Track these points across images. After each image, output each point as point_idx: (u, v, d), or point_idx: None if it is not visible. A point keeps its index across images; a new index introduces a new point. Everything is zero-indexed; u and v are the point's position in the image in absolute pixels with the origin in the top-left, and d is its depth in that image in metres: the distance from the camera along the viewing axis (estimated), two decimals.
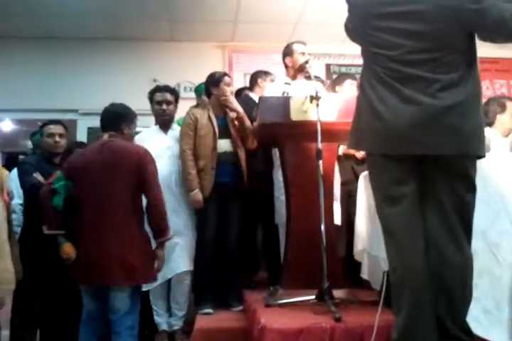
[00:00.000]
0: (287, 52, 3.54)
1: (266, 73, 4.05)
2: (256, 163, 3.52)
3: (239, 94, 4.04)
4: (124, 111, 2.83)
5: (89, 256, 2.54)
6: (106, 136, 2.74)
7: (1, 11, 4.67)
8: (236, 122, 3.38)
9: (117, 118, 2.77)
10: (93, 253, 2.53)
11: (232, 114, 3.39)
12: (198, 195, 3.22)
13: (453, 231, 1.83)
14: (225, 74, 3.53)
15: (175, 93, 3.56)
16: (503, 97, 3.77)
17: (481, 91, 1.92)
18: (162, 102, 3.45)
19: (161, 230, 2.65)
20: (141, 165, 2.62)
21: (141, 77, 5.16)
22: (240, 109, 3.36)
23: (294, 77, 3.52)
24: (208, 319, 3.01)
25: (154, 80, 4.90)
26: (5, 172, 2.67)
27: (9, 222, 2.59)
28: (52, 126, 3.39)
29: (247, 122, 3.36)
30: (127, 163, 2.61)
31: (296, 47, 3.49)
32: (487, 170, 1.98)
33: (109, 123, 2.78)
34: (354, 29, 2.06)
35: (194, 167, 3.26)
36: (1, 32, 5.06)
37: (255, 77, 4.05)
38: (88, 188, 2.61)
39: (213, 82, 3.43)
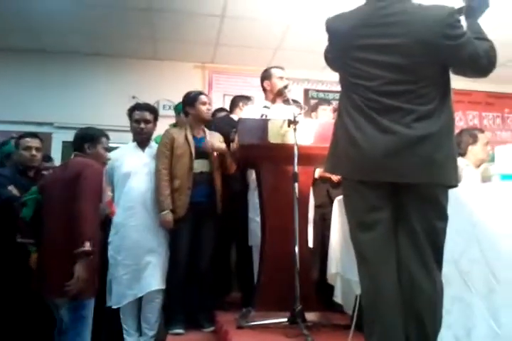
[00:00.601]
0: (265, 76, 3.58)
1: (247, 98, 4.11)
2: (232, 184, 3.54)
3: (213, 115, 4.08)
4: (87, 132, 2.92)
5: (39, 267, 2.67)
6: (72, 156, 2.88)
7: None
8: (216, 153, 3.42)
9: (80, 140, 2.88)
10: (40, 264, 2.67)
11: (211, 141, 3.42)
12: (168, 215, 3.23)
13: (424, 258, 1.86)
14: (200, 93, 3.57)
15: (154, 112, 3.56)
16: (475, 129, 3.86)
17: (453, 122, 1.98)
18: (140, 121, 3.45)
19: (77, 240, 2.47)
20: (79, 176, 2.61)
21: (120, 93, 5.16)
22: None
23: (272, 101, 3.56)
24: (179, 339, 2.99)
25: (133, 97, 4.90)
26: None
27: None
28: (29, 139, 3.36)
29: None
30: (72, 175, 2.65)
31: (274, 71, 3.54)
32: (459, 200, 2.04)
33: (74, 144, 2.91)
34: (333, 59, 2.11)
35: (168, 187, 3.27)
36: None
37: (237, 101, 4.10)
38: (49, 202, 2.73)
39: (189, 101, 3.47)
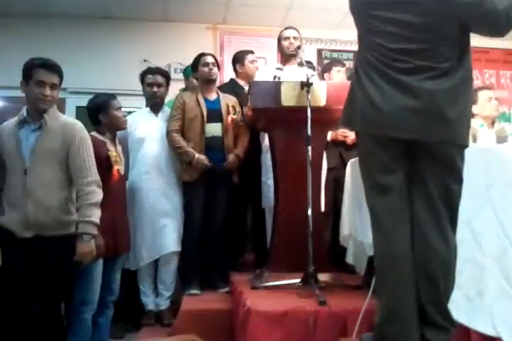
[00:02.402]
0: (278, 37, 3.60)
1: (247, 52, 4.00)
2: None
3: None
4: (95, 102, 2.94)
5: None
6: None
7: None
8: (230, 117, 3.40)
9: (93, 113, 2.92)
10: None
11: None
12: (201, 157, 3.22)
13: (439, 220, 1.87)
14: (201, 55, 3.48)
15: (166, 75, 3.55)
16: (481, 87, 3.72)
17: (471, 80, 1.94)
18: (153, 84, 3.44)
19: None
20: None
21: (131, 56, 5.10)
22: None
23: (284, 63, 3.55)
24: (195, 300, 3.06)
25: (145, 61, 4.86)
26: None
27: None
28: None
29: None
30: None
31: (282, 33, 3.57)
32: (474, 161, 2.01)
33: (91, 119, 2.93)
34: (353, 13, 2.06)
35: (183, 141, 3.27)
36: None
37: (237, 58, 4.00)
38: None
39: (193, 65, 3.47)
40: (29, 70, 2.40)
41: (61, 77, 2.47)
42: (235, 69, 3.99)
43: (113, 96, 2.99)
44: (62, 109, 5.09)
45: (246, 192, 3.64)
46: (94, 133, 2.83)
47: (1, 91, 5.26)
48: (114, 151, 2.90)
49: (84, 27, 5.22)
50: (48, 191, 2.36)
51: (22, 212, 2.32)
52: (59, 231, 2.36)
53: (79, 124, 2.51)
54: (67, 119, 2.56)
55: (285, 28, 3.61)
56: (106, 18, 5.22)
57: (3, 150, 2.42)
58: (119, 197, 2.91)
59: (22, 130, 2.42)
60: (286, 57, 3.58)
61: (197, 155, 3.23)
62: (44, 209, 2.33)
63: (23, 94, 2.49)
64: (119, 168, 2.90)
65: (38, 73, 2.38)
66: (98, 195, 2.44)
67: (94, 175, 2.45)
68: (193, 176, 3.28)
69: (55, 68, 2.43)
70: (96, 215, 2.40)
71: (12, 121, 2.49)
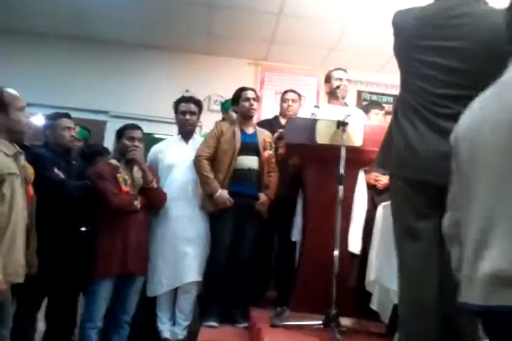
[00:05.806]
0: (326, 78, 3.66)
1: (287, 91, 4.14)
2: (282, 189, 3.49)
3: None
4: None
5: None
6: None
7: (49, 11, 4.78)
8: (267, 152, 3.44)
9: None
10: None
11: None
12: (223, 194, 3.22)
13: None
14: (243, 89, 3.54)
15: (199, 104, 3.63)
16: None
17: None
18: (186, 112, 3.51)
19: None
20: None
21: (173, 86, 5.21)
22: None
23: (329, 102, 3.61)
24: (212, 332, 3.00)
25: (187, 91, 4.96)
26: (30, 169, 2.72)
27: (32, 215, 2.60)
28: (66, 120, 3.23)
29: None
30: None
31: (333, 73, 3.60)
32: None
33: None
34: (397, 55, 2.07)
35: (211, 171, 3.28)
36: (47, 31, 5.18)
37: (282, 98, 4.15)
38: None
39: (234, 99, 3.54)
40: None
41: None
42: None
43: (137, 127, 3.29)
44: (102, 131, 5.21)
45: (275, 225, 3.61)
46: (111, 160, 3.25)
47: (43, 109, 5.37)
48: (127, 174, 3.12)
49: (130, 54, 5.39)
50: None
51: None
52: None
53: None
54: None
55: (336, 69, 3.65)
56: (152, 47, 5.38)
57: None
58: (131, 218, 3.07)
59: None
60: (330, 96, 3.64)
61: (220, 191, 3.23)
62: None
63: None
64: (128, 189, 3.10)
65: None
66: None
67: None
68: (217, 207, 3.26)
69: None
70: None
71: None
